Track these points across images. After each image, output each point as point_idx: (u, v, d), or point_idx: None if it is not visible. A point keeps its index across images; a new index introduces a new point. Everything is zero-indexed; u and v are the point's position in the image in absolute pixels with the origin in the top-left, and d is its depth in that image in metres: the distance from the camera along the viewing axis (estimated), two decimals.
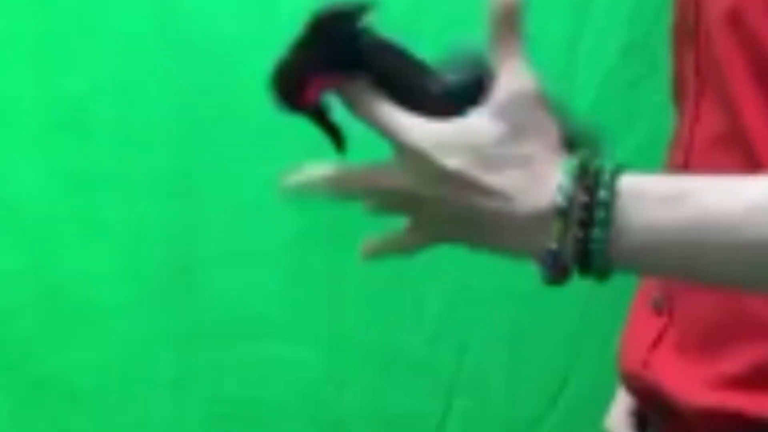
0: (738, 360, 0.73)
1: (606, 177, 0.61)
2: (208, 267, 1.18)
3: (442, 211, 0.64)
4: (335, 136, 0.67)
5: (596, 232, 0.61)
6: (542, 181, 0.62)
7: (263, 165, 1.15)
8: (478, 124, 0.63)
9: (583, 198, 0.61)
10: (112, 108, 1.18)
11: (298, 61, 0.65)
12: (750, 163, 0.69)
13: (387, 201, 0.65)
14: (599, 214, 0.61)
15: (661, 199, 0.62)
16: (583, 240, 0.61)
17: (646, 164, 1.19)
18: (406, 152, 0.62)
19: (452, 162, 0.62)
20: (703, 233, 0.61)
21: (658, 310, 0.81)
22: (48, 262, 1.17)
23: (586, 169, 0.62)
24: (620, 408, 0.95)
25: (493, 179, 0.62)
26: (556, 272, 0.62)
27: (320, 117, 0.66)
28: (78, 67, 1.17)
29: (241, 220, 1.17)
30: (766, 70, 0.69)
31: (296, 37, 0.65)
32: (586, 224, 0.61)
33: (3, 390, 1.18)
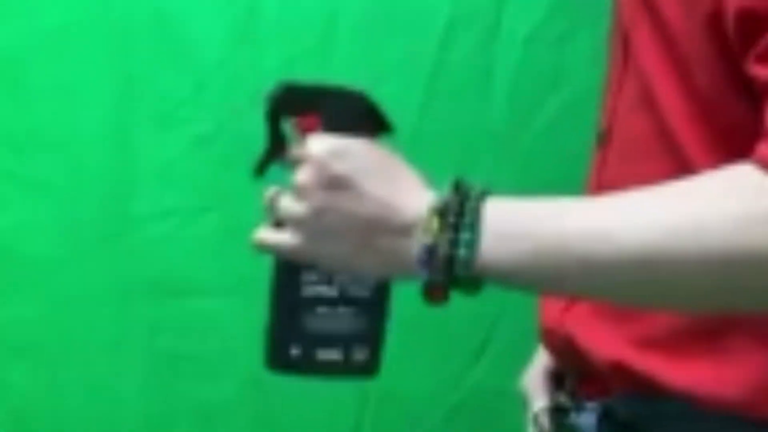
0: (655, 322, 0.75)
1: (476, 192, 0.67)
2: (145, 222, 1.19)
3: (326, 219, 0.69)
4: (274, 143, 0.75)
5: (465, 236, 0.66)
6: (416, 194, 0.68)
7: (199, 120, 1.18)
8: (365, 143, 0.70)
9: (455, 206, 0.67)
10: (48, 63, 1.18)
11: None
12: (659, 127, 0.71)
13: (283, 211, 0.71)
14: (467, 219, 0.66)
15: (530, 214, 0.67)
16: (453, 242, 0.66)
17: (572, 122, 1.23)
18: (306, 161, 0.70)
19: (339, 166, 0.68)
20: (569, 249, 0.64)
21: None
22: None
23: (457, 186, 0.67)
24: (537, 367, 0.96)
25: (374, 186, 0.68)
26: (432, 270, 0.67)
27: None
28: (13, 21, 1.17)
29: (177, 176, 1.19)
30: (667, 35, 0.70)
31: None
32: (456, 228, 0.66)
33: None
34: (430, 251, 0.67)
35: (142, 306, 1.20)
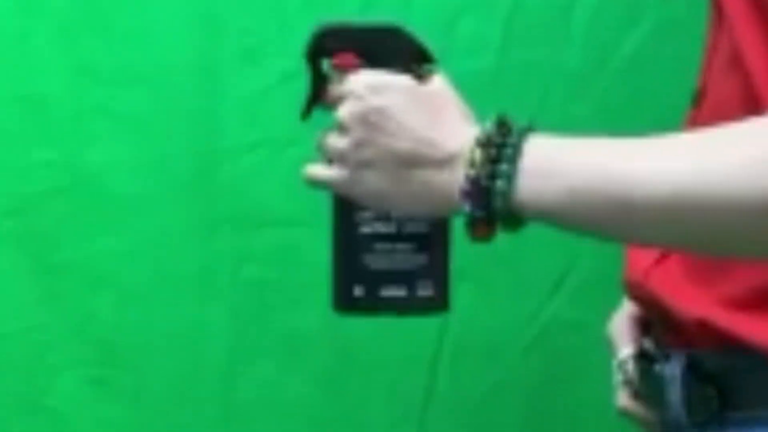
0: (743, 283, 0.74)
1: (519, 127, 0.69)
2: (232, 156, 1.22)
3: (365, 153, 0.71)
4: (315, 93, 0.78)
5: (504, 168, 0.68)
6: (459, 128, 0.71)
7: (284, 57, 1.20)
8: (404, 79, 0.73)
9: (498, 139, 0.68)
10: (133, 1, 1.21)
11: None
12: (746, 93, 0.70)
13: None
14: (508, 151, 0.68)
15: (570, 152, 0.68)
16: (492, 173, 0.68)
17: (651, 59, 1.24)
18: (347, 97, 0.73)
19: (377, 100, 0.71)
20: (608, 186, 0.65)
21: None
22: (74, 153, 1.21)
23: (501, 121, 0.69)
24: (623, 313, 0.95)
25: (413, 119, 0.71)
26: (474, 202, 0.68)
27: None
28: None
29: (264, 110, 1.22)
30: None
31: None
32: (497, 160, 0.68)
33: (29, 277, 1.22)
34: (472, 182, 0.68)
35: (228, 238, 1.22)
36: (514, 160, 0.67)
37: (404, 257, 0.77)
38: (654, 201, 0.63)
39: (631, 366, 0.90)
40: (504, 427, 1.24)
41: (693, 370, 0.78)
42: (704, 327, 0.76)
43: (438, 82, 0.74)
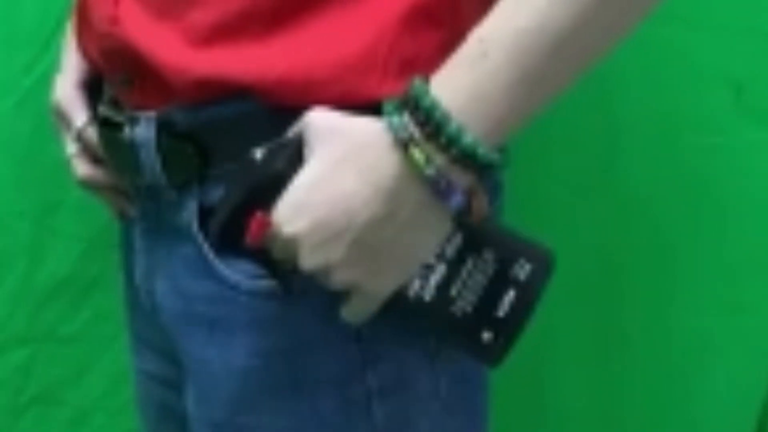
0: (210, 9, 0.74)
1: (417, 90, 0.67)
2: None
3: (359, 258, 0.68)
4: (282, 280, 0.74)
5: (451, 128, 0.66)
6: (379, 160, 0.67)
7: None
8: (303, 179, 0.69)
9: (415, 117, 0.66)
10: None
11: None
12: None
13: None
14: (437, 114, 0.66)
15: (471, 61, 0.66)
16: (447, 143, 0.66)
17: None
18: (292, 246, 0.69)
19: (306, 220, 0.68)
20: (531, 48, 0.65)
21: None
22: None
23: (397, 108, 0.67)
24: (70, 79, 0.94)
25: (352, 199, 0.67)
26: (454, 192, 0.67)
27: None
28: None
29: None
30: None
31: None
32: (438, 130, 0.66)
33: None
34: (439, 174, 0.66)
35: None
36: (448, 117, 0.65)
37: (477, 270, 0.72)
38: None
39: (89, 133, 0.89)
40: None
41: (166, 130, 0.78)
42: (180, 72, 0.76)
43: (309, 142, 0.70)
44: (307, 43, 0.73)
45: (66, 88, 0.94)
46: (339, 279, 0.70)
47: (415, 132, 0.66)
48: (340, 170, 0.68)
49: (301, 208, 0.69)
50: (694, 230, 1.18)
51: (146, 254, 0.86)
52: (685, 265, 1.18)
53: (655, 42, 1.12)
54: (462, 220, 0.71)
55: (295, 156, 0.70)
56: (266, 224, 0.70)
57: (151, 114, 0.79)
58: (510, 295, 0.71)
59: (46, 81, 1.16)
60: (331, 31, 0.73)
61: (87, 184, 0.93)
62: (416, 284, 0.72)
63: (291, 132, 0.72)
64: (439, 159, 0.66)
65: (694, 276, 1.19)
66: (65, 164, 1.17)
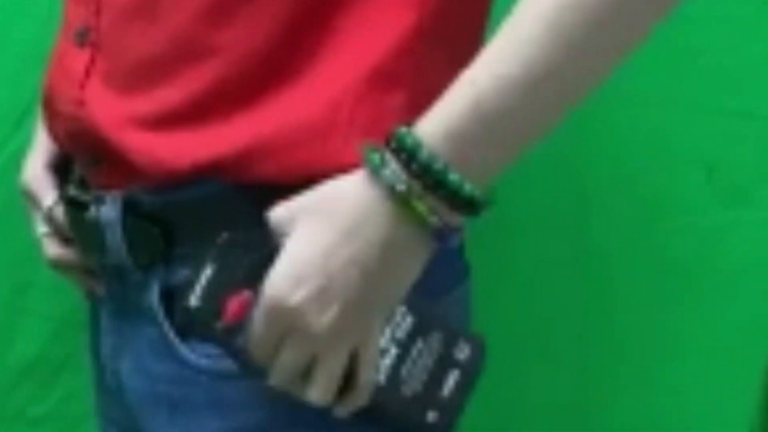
0: (174, 90, 0.75)
1: (406, 140, 0.67)
2: None
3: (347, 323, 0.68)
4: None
5: (451, 178, 0.67)
6: (371, 209, 0.67)
7: None
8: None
9: (411, 169, 0.66)
10: None
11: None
12: None
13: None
14: (437, 165, 0.66)
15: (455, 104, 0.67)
16: (447, 192, 0.66)
17: None
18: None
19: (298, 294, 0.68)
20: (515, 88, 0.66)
21: (81, 43, 0.81)
22: None
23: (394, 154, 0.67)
24: (38, 160, 0.95)
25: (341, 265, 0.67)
26: (453, 234, 0.68)
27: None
28: None
29: None
30: None
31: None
32: (438, 183, 0.66)
33: None
34: (440, 230, 0.67)
35: None
36: (439, 163, 0.66)
37: (425, 352, 0.74)
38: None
39: (58, 213, 0.89)
40: None
41: (131, 211, 0.79)
42: (138, 154, 0.76)
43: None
44: (270, 115, 0.74)
45: (35, 168, 0.95)
46: (351, 342, 0.70)
47: (414, 185, 0.66)
48: (329, 232, 0.68)
49: (299, 279, 0.68)
50: (667, 308, 1.18)
51: (113, 334, 0.86)
52: (659, 343, 1.19)
53: (627, 122, 1.14)
54: (413, 303, 0.72)
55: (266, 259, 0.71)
56: (249, 304, 0.70)
57: (117, 194, 0.79)
58: (454, 376, 0.73)
59: (16, 161, 1.17)
60: (294, 100, 0.74)
61: (57, 264, 0.93)
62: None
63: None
64: (442, 209, 0.67)
65: (669, 354, 1.19)
66: (36, 244, 1.18)
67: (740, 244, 1.16)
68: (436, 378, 0.73)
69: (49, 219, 0.92)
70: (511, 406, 1.18)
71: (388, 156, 0.67)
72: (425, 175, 0.66)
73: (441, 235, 0.67)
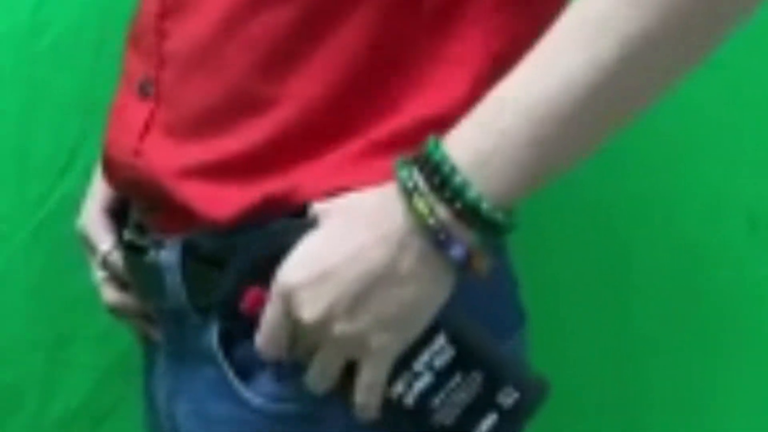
0: (231, 141, 0.77)
1: (430, 146, 0.68)
2: None
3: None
4: None
5: (457, 181, 0.68)
6: (389, 215, 0.69)
7: None
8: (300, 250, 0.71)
9: (423, 169, 0.68)
10: None
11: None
12: None
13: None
14: (445, 168, 0.68)
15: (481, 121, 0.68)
16: (451, 196, 0.67)
17: None
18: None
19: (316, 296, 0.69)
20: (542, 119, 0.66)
21: (144, 95, 0.82)
22: None
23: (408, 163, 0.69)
24: (95, 206, 0.97)
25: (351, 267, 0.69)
26: (454, 244, 0.68)
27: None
28: None
29: None
30: None
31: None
32: (443, 182, 0.67)
33: None
34: (441, 226, 0.68)
35: None
36: (459, 176, 0.67)
37: (463, 387, 0.73)
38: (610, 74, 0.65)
39: (116, 259, 0.91)
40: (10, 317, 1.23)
41: (190, 255, 0.80)
42: (189, 203, 0.78)
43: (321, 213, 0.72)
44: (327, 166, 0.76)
45: (92, 213, 0.96)
46: (340, 331, 0.70)
47: (420, 183, 0.68)
48: (345, 224, 0.70)
49: (304, 261, 0.70)
50: (711, 362, 1.19)
51: (170, 377, 0.87)
52: (706, 400, 1.19)
53: (670, 172, 1.15)
54: (456, 335, 0.72)
55: (304, 231, 0.72)
56: (263, 298, 0.72)
57: (177, 238, 0.81)
58: (491, 419, 0.72)
59: (60, 212, 1.20)
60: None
61: (114, 310, 0.95)
62: (400, 387, 0.72)
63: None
64: (443, 212, 0.67)
65: (714, 412, 1.19)
66: (79, 294, 1.19)
67: None
68: (470, 416, 0.72)
69: (106, 264, 0.93)
70: None
71: (412, 160, 0.69)
72: (434, 174, 0.68)
73: (439, 240, 0.68)
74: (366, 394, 0.72)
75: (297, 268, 0.71)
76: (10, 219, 1.22)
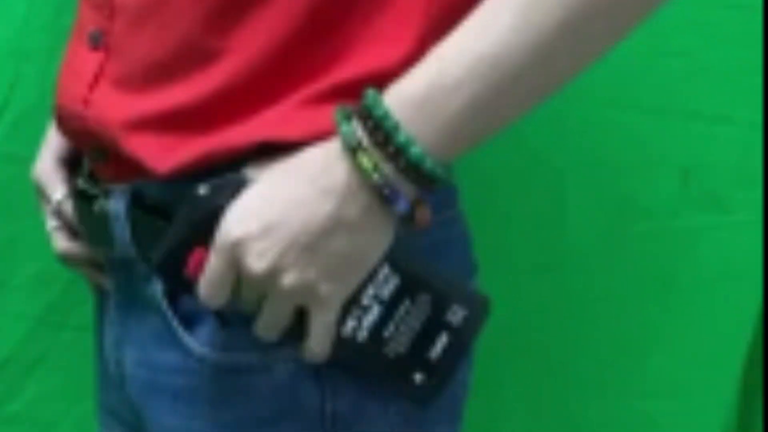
0: (179, 92, 0.78)
1: (371, 100, 0.70)
2: None
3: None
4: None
5: (400, 138, 0.70)
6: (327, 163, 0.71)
7: None
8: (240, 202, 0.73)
9: (365, 125, 0.70)
10: None
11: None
12: None
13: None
14: (387, 124, 0.70)
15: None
16: (395, 152, 0.69)
17: None
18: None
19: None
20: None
21: (94, 45, 0.83)
22: None
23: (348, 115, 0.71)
24: (47, 155, 0.97)
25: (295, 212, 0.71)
26: (399, 198, 0.70)
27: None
28: None
29: None
30: None
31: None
32: (387, 139, 0.69)
33: None
34: (385, 183, 0.70)
35: None
36: (397, 125, 0.69)
37: (412, 313, 0.75)
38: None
39: (67, 207, 0.92)
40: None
41: (137, 204, 0.81)
42: (145, 154, 0.79)
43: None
44: (272, 119, 0.77)
45: (45, 162, 0.97)
46: (290, 282, 0.72)
47: (364, 139, 0.70)
48: (288, 179, 0.72)
49: (249, 214, 0.72)
50: (644, 309, 1.22)
51: (117, 325, 0.87)
52: (636, 344, 1.23)
53: (605, 124, 1.18)
54: (399, 263, 0.75)
55: (237, 192, 0.74)
56: (204, 260, 0.74)
57: (125, 187, 0.82)
58: (443, 340, 0.75)
59: None
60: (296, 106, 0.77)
61: (65, 258, 0.95)
62: (349, 325, 0.75)
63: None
64: (387, 168, 0.70)
65: (645, 355, 1.23)
66: (11, 242, 1.20)
67: (716, 247, 1.21)
68: (423, 340, 0.75)
69: (59, 213, 0.94)
70: (494, 407, 1.22)
71: (352, 115, 0.71)
72: (376, 131, 0.70)
73: (383, 195, 0.70)
74: (319, 339, 0.75)
75: (241, 221, 0.72)
76: None
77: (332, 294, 0.73)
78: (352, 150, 0.70)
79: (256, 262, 0.71)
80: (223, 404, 0.80)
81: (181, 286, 0.77)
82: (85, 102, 0.83)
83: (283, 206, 0.71)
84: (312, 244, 0.71)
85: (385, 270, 0.74)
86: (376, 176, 0.69)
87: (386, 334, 0.75)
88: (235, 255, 0.72)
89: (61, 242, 0.95)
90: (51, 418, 1.25)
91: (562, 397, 1.23)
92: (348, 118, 0.71)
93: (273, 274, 0.72)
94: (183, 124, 0.78)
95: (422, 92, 0.70)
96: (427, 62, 0.71)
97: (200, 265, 0.74)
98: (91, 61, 0.83)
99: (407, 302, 0.75)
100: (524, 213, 1.22)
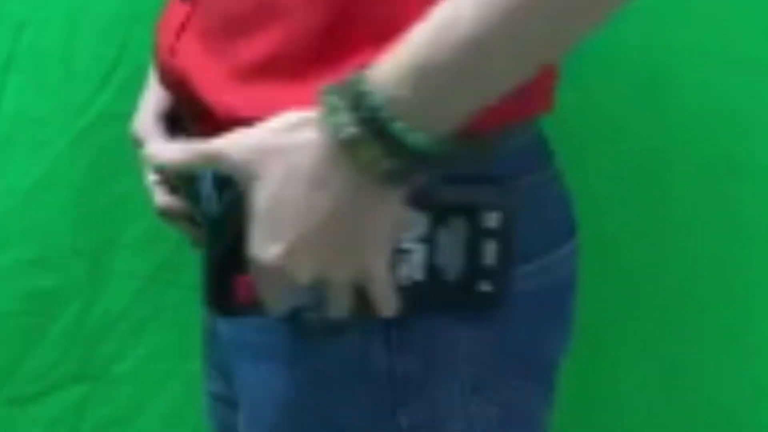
0: (253, 49, 0.79)
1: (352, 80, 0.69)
2: None
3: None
4: None
5: (397, 125, 0.69)
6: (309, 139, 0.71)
7: None
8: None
9: (357, 114, 0.69)
10: None
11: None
12: None
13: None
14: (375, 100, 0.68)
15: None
16: (390, 134, 0.68)
17: None
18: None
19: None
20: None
21: None
22: None
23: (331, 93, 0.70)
24: (147, 110, 0.98)
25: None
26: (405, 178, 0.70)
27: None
28: None
29: None
30: None
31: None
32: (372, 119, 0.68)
33: None
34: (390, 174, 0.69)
35: None
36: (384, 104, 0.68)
37: (453, 236, 0.78)
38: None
39: None
40: (53, 224, 1.27)
41: None
42: (227, 113, 0.79)
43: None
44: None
45: (145, 116, 0.98)
46: (337, 276, 0.74)
47: (359, 132, 0.69)
48: (289, 186, 0.72)
49: (270, 237, 0.72)
50: (746, 269, 1.21)
51: None
52: (738, 302, 1.22)
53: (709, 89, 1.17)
54: (420, 203, 0.76)
55: (243, 207, 0.74)
56: (251, 283, 0.76)
57: None
58: (490, 245, 0.78)
59: (101, 120, 1.25)
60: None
61: (164, 213, 0.97)
62: (404, 271, 0.78)
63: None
64: (385, 161, 0.70)
65: (749, 318, 1.22)
66: (121, 203, 1.23)
67: None
68: (473, 253, 0.79)
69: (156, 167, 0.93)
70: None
71: (340, 100, 0.70)
72: (371, 121, 0.69)
73: (392, 179, 0.70)
74: (384, 299, 0.76)
75: (261, 246, 0.73)
76: (53, 125, 1.26)
77: (375, 264, 0.74)
78: (349, 145, 0.70)
79: (302, 276, 0.73)
80: (299, 364, 0.81)
81: (240, 312, 0.80)
82: (172, 51, 0.84)
83: (297, 216, 0.72)
84: (333, 240, 0.72)
85: (411, 215, 0.76)
86: (379, 167, 0.70)
87: (440, 263, 0.78)
88: (278, 274, 0.74)
89: (161, 197, 0.96)
90: (160, 376, 1.29)
91: (671, 355, 1.22)
92: (335, 105, 0.70)
93: (319, 277, 0.74)
94: (249, 80, 0.79)
95: (405, 71, 0.69)
96: (408, 41, 0.70)
97: (251, 290, 0.77)
98: (180, 12, 0.85)
99: (443, 230, 0.78)
100: (630, 180, 1.21)
